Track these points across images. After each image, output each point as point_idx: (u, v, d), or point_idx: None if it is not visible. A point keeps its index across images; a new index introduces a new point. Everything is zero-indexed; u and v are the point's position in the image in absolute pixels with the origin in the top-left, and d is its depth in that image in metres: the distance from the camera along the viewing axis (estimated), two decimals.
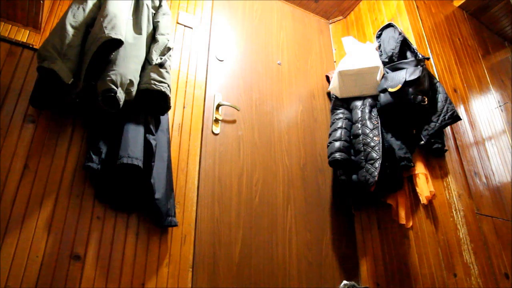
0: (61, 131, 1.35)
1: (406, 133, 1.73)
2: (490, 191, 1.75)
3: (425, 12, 2.15)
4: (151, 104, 1.39)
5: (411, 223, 1.69)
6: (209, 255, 1.51)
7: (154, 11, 1.56)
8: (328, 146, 1.86)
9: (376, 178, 1.59)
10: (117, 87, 1.22)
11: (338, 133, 1.84)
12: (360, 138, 1.74)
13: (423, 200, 1.60)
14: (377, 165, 1.61)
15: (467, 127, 1.88)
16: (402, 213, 1.69)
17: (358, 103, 1.88)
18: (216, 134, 1.77)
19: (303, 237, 1.78)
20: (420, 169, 1.66)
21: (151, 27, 1.50)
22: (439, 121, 1.63)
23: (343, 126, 1.87)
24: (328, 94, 2.27)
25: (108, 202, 1.33)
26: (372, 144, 1.68)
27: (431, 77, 1.78)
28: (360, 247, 1.93)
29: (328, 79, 2.30)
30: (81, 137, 1.38)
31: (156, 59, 1.40)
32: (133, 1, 1.46)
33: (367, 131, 1.73)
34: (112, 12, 1.28)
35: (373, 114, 1.80)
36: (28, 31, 1.48)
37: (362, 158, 1.70)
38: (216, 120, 1.79)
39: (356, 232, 1.97)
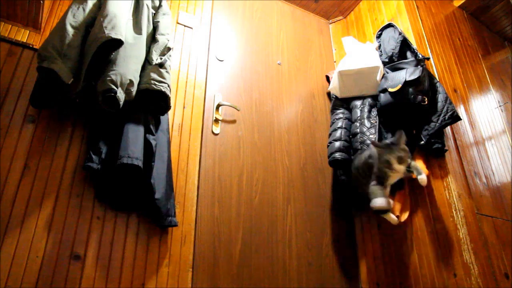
0: (61, 131, 1.35)
1: (406, 133, 1.72)
2: (490, 191, 1.75)
3: (425, 12, 2.15)
4: (151, 104, 1.39)
5: (406, 216, 1.66)
6: (209, 255, 1.51)
7: (154, 11, 1.56)
8: (328, 146, 1.86)
9: None
10: (117, 87, 1.22)
11: (338, 133, 1.84)
12: (358, 136, 1.74)
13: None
14: None
15: (467, 127, 1.88)
16: (397, 206, 1.67)
17: (358, 103, 1.88)
18: (216, 134, 1.77)
19: (303, 237, 1.78)
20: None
21: (151, 27, 1.50)
22: (439, 121, 1.63)
23: (343, 126, 1.87)
24: (328, 94, 2.27)
25: (108, 202, 1.33)
26: (369, 142, 1.67)
27: (431, 77, 1.78)
28: (360, 247, 1.93)
29: (328, 79, 2.30)
30: (81, 137, 1.38)
31: (156, 59, 1.40)
32: (133, 1, 1.46)
33: (364, 129, 1.73)
34: (112, 12, 1.28)
35: (372, 113, 1.80)
36: (28, 31, 1.48)
37: None
38: (216, 120, 1.79)
39: (356, 232, 1.97)
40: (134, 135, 1.30)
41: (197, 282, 1.43)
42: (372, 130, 1.70)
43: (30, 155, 1.26)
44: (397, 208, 1.68)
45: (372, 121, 1.75)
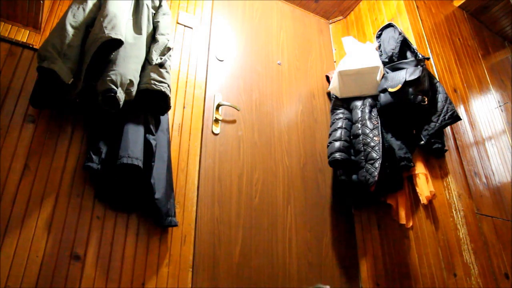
0: (61, 131, 1.35)
1: (406, 133, 1.73)
2: (490, 191, 1.75)
3: (425, 12, 2.15)
4: (151, 104, 1.39)
5: (411, 223, 1.69)
6: (209, 255, 1.51)
7: (154, 11, 1.56)
8: (328, 146, 1.86)
9: (376, 178, 1.59)
10: (117, 87, 1.22)
11: (338, 133, 1.84)
12: (360, 138, 1.74)
13: (423, 200, 1.60)
14: (377, 165, 1.61)
15: (467, 127, 1.88)
16: (402, 213, 1.69)
17: (358, 103, 1.88)
18: (216, 134, 1.77)
19: (303, 237, 1.78)
20: (420, 169, 1.66)
21: (151, 27, 1.50)
22: (439, 121, 1.63)
23: (343, 126, 1.87)
24: (328, 94, 2.27)
25: (108, 202, 1.33)
26: (372, 144, 1.68)
27: (431, 77, 1.78)
28: (360, 247, 1.93)
29: (328, 79, 2.30)
30: (81, 137, 1.38)
31: (156, 59, 1.40)
32: (133, 1, 1.46)
33: (367, 131, 1.73)
34: (112, 12, 1.28)
35: (373, 114, 1.80)
36: (28, 31, 1.48)
37: (362, 158, 1.70)
38: (216, 120, 1.79)
39: (356, 232, 1.97)
40: (134, 135, 1.30)
41: (197, 282, 1.43)
42: (375, 132, 1.70)
43: (30, 155, 1.26)
44: (402, 215, 1.68)
45: (374, 122, 1.75)
